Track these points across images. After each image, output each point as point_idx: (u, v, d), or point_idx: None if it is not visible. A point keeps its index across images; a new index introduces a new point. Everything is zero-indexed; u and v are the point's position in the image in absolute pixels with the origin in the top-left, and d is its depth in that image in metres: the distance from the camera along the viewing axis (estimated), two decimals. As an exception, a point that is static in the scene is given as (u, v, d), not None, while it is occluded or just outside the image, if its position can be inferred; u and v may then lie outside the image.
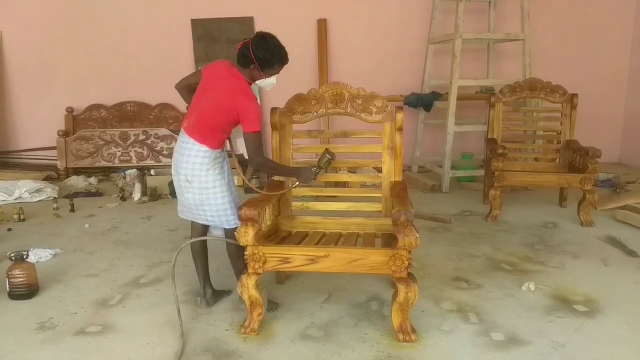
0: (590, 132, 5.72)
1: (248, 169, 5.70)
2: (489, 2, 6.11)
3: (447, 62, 5.68)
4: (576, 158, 4.35)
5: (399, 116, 2.75)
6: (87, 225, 4.29)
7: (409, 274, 2.33)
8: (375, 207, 2.89)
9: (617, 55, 6.67)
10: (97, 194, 5.46)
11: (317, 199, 3.44)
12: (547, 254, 3.52)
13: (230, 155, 2.80)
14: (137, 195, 5.16)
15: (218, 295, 2.83)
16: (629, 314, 2.64)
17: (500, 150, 4.26)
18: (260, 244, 2.40)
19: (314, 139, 5.33)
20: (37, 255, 3.45)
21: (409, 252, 2.28)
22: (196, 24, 6.43)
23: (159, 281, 3.12)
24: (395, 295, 2.37)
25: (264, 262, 2.39)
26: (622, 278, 3.10)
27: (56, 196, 5.14)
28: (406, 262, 2.29)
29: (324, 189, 3.60)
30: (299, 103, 2.86)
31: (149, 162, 6.29)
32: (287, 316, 2.65)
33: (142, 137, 6.35)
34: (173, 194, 5.20)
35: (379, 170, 2.89)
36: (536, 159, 4.84)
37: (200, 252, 2.78)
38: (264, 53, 2.47)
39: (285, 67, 2.60)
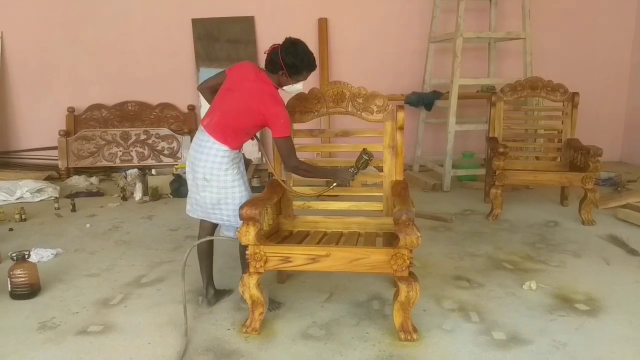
0: (591, 131, 5.71)
1: (249, 168, 5.71)
2: (490, 0, 6.10)
3: (448, 61, 5.68)
4: (577, 157, 4.35)
5: (400, 115, 2.75)
6: (88, 225, 4.30)
7: (411, 273, 2.33)
8: (377, 206, 2.89)
9: (618, 54, 6.66)
10: (99, 193, 5.46)
11: (319, 198, 3.44)
12: (549, 252, 3.52)
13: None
14: (138, 195, 5.16)
15: (219, 294, 2.84)
16: (631, 312, 2.64)
17: (501, 149, 4.26)
18: (262, 244, 2.40)
19: (315, 138, 5.33)
20: (39, 255, 3.45)
21: (411, 251, 2.28)
22: (197, 23, 6.43)
23: (161, 281, 3.12)
24: (396, 294, 2.37)
25: (266, 262, 2.39)
26: (624, 277, 3.09)
27: (57, 196, 5.14)
28: (407, 261, 2.29)
29: (325, 188, 3.59)
30: (300, 102, 2.86)
31: (150, 161, 6.29)
32: (288, 315, 2.66)
33: (143, 136, 6.35)
34: (174, 193, 5.22)
35: (380, 169, 2.89)
36: (537, 158, 4.84)
37: (207, 252, 2.78)
38: (294, 60, 2.48)
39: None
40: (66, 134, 6.29)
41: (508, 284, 3.00)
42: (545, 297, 2.83)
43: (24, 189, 5.19)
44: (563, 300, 2.79)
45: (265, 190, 2.77)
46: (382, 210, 2.87)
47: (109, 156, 6.31)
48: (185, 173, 2.80)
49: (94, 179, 5.99)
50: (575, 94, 4.52)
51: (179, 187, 5.10)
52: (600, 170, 4.14)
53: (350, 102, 2.82)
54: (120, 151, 6.32)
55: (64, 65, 6.58)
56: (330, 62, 6.39)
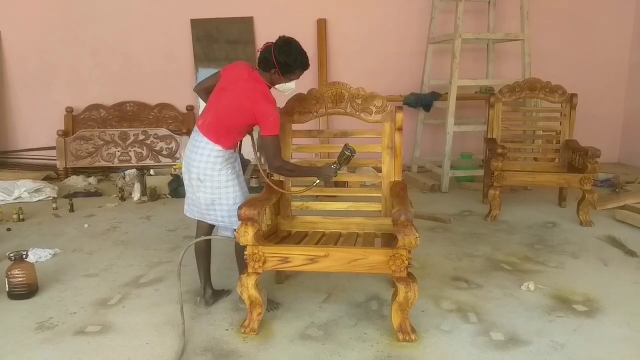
0: (589, 132, 5.72)
1: (247, 168, 5.71)
2: (489, 2, 6.11)
3: (446, 62, 5.68)
4: (575, 158, 4.35)
5: (399, 116, 2.75)
6: (86, 225, 4.29)
7: (409, 274, 2.33)
8: (375, 206, 2.89)
9: (616, 55, 6.68)
10: (97, 194, 5.46)
11: (317, 198, 3.44)
12: (547, 253, 3.52)
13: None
14: (136, 195, 5.15)
15: (217, 295, 2.83)
16: (629, 313, 2.64)
17: (499, 150, 4.26)
18: (260, 244, 2.40)
19: (314, 139, 5.33)
20: (37, 255, 3.45)
21: (409, 251, 2.28)
22: (196, 24, 6.43)
23: (159, 281, 3.12)
24: (395, 295, 2.37)
25: (264, 262, 2.39)
26: (622, 278, 3.10)
27: (55, 196, 5.14)
28: (406, 262, 2.29)
29: (324, 188, 3.59)
30: (298, 103, 2.86)
31: (149, 162, 6.29)
32: (286, 316, 2.65)
33: (141, 137, 6.34)
34: (172, 193, 5.22)
35: (379, 170, 2.89)
36: (535, 159, 4.85)
37: (204, 252, 2.77)
38: (286, 58, 2.48)
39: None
40: (64, 134, 6.28)
41: (506, 285, 3.00)
42: (543, 298, 2.83)
43: (22, 189, 5.18)
44: (561, 301, 2.80)
45: (264, 190, 2.77)
46: (380, 211, 2.87)
47: (108, 156, 6.30)
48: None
49: (92, 179, 5.98)
50: (574, 95, 4.52)
51: (178, 187, 5.10)
52: (598, 171, 4.15)
53: (349, 103, 2.83)
54: (118, 151, 6.32)
55: (63, 65, 6.58)
56: (329, 62, 6.39)
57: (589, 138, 4.90)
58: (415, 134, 6.29)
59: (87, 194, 5.44)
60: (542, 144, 4.98)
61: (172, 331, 2.50)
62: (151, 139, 6.35)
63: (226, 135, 2.54)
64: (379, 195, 2.87)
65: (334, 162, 2.68)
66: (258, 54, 2.55)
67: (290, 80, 2.58)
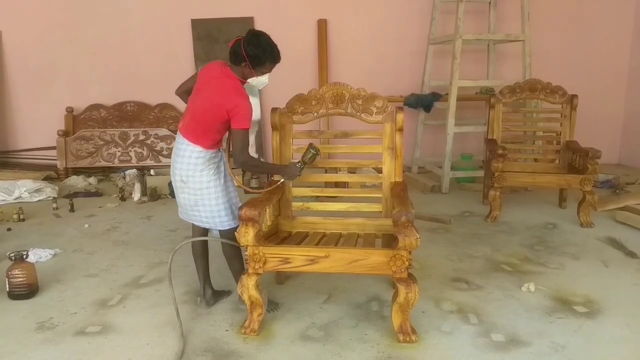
0: (590, 133, 5.72)
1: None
2: (489, 2, 6.11)
3: (447, 63, 5.68)
4: (576, 159, 4.35)
5: (400, 117, 2.75)
6: (86, 225, 4.29)
7: (410, 275, 2.33)
8: (376, 207, 2.89)
9: (616, 56, 6.67)
10: (97, 194, 5.46)
11: (318, 199, 3.44)
12: (547, 255, 3.52)
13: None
14: (136, 195, 5.15)
15: (218, 295, 2.83)
16: (629, 315, 2.64)
17: (500, 151, 4.26)
18: (261, 245, 2.40)
19: (315, 139, 5.33)
20: (37, 255, 3.45)
21: (410, 252, 2.28)
22: (196, 24, 6.43)
23: (159, 281, 3.12)
24: (395, 295, 2.37)
25: (265, 263, 2.39)
26: (622, 279, 3.10)
27: (56, 196, 5.14)
28: (407, 263, 2.29)
29: (325, 189, 3.60)
30: (299, 103, 2.86)
31: (149, 162, 6.29)
32: (287, 317, 2.65)
33: (142, 137, 6.34)
34: (173, 194, 5.20)
35: (379, 170, 2.89)
36: (536, 160, 4.84)
37: (201, 253, 2.78)
38: (255, 50, 2.46)
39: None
40: (65, 134, 6.28)
41: (507, 286, 3.00)
42: (543, 299, 2.83)
43: (22, 189, 5.18)
44: (561, 302, 2.80)
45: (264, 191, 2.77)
46: (381, 212, 2.87)
47: (108, 156, 6.30)
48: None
49: (92, 179, 5.98)
50: (574, 96, 4.52)
51: (178, 187, 5.09)
52: (598, 172, 4.14)
53: (349, 104, 2.83)
54: (119, 151, 6.32)
55: (63, 65, 6.58)
56: (329, 63, 6.38)
57: (589, 139, 4.90)
58: (416, 135, 6.29)
59: (88, 194, 5.44)
60: (542, 145, 4.97)
61: (172, 332, 2.50)
62: (151, 139, 6.35)
63: (204, 135, 2.54)
64: (380, 196, 2.87)
65: (299, 161, 2.70)
66: (229, 48, 2.53)
67: (262, 73, 2.56)
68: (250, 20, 6.40)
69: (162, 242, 3.85)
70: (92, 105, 6.53)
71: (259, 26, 6.36)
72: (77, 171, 6.26)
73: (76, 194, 5.34)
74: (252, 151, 5.88)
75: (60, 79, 6.62)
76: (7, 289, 2.87)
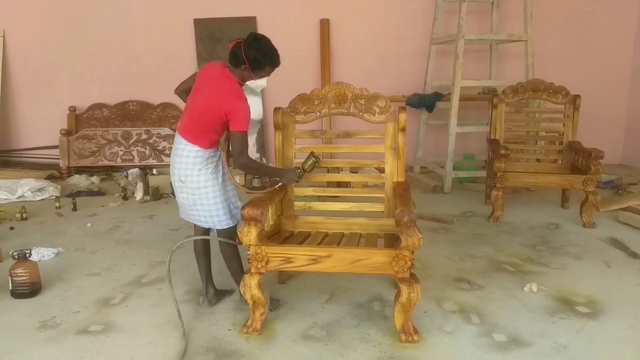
0: (592, 134, 5.70)
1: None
2: (492, 2, 6.10)
3: (449, 63, 5.68)
4: (579, 159, 4.34)
5: (402, 116, 2.75)
6: (89, 225, 4.30)
7: (412, 275, 2.33)
8: (378, 207, 2.89)
9: (619, 57, 6.66)
10: (100, 193, 5.46)
11: (320, 199, 3.45)
12: (550, 255, 3.51)
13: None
14: (139, 194, 5.16)
15: (220, 294, 2.84)
16: (632, 315, 2.64)
17: (502, 151, 4.26)
18: (263, 244, 2.40)
19: (317, 139, 5.33)
20: (40, 254, 3.46)
21: (412, 252, 2.28)
22: (199, 23, 6.44)
23: (161, 280, 3.12)
24: (397, 295, 2.37)
25: (267, 262, 2.39)
26: (625, 280, 3.09)
27: (58, 195, 5.15)
28: (409, 263, 2.29)
29: (327, 189, 3.60)
30: (302, 103, 2.86)
31: (151, 161, 6.29)
32: (289, 316, 2.66)
33: (144, 136, 6.35)
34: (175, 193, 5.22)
35: (382, 170, 2.89)
36: (538, 160, 4.84)
37: (203, 252, 2.78)
38: (255, 54, 2.47)
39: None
40: (67, 133, 6.29)
41: (509, 286, 3.00)
42: (546, 300, 2.82)
43: (25, 188, 5.19)
44: (564, 302, 2.79)
45: (267, 191, 2.77)
46: (383, 212, 2.87)
47: (110, 155, 6.31)
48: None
49: (95, 179, 5.99)
50: (577, 96, 4.51)
51: (180, 187, 5.10)
52: (601, 172, 4.13)
53: (352, 103, 2.82)
54: (121, 150, 6.32)
55: (66, 64, 6.58)
56: (331, 62, 6.38)
57: (591, 139, 4.89)
58: (418, 135, 6.28)
59: (90, 193, 5.45)
60: (545, 145, 4.96)
61: (174, 331, 2.51)
62: (154, 138, 6.35)
63: (202, 135, 2.54)
64: (382, 195, 2.87)
65: (299, 167, 2.72)
66: (229, 50, 2.54)
67: (261, 77, 2.56)
68: (252, 19, 6.40)
69: (164, 241, 3.85)
70: (95, 105, 6.54)
71: (261, 26, 6.39)
72: (79, 170, 6.27)
73: (79, 193, 5.35)
74: (254, 150, 5.87)
75: (63, 78, 6.62)
76: (10, 288, 2.87)
